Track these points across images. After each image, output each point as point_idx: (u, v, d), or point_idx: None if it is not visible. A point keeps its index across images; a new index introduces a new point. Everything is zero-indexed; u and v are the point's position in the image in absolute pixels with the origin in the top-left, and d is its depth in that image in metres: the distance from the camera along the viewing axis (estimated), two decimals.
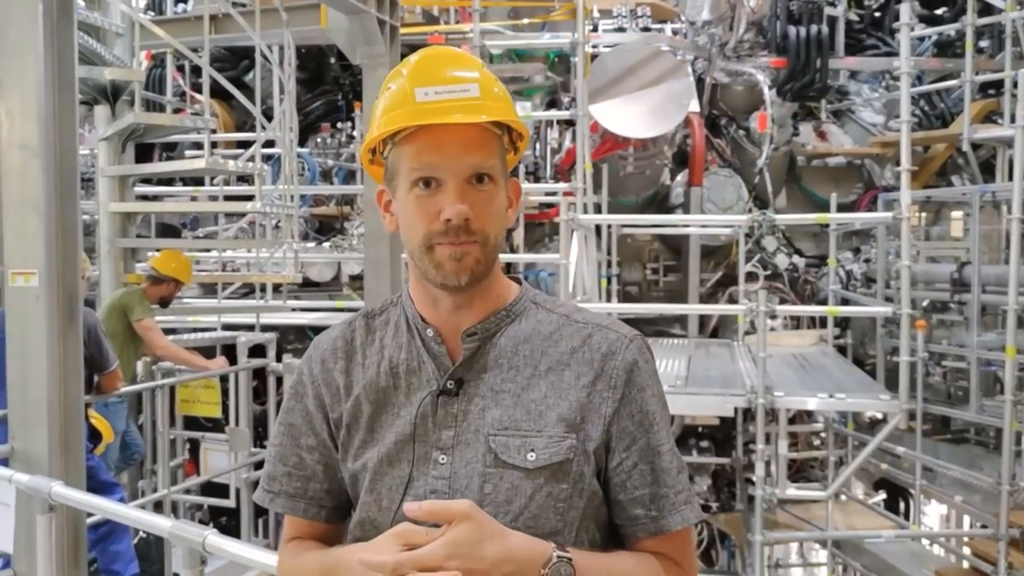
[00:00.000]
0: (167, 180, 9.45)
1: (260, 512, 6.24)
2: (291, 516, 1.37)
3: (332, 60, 9.93)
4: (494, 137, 1.25)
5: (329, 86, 10.13)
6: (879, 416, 7.68)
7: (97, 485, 4.32)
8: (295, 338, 8.87)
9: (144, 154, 8.88)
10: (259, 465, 6.03)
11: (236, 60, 9.38)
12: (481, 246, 1.22)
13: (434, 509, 1.09)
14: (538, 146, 8.69)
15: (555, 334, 1.28)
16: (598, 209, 7.87)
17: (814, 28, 8.61)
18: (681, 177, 9.04)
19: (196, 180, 9.40)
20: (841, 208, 8.11)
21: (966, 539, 6.87)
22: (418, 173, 1.21)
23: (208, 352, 6.48)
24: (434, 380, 1.26)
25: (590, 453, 1.23)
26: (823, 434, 8.26)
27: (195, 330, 7.73)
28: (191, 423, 6.18)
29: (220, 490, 6.01)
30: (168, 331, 6.58)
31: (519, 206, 1.38)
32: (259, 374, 6.30)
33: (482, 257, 1.23)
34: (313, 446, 1.34)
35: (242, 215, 8.88)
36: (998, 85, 8.01)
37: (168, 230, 9.53)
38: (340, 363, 1.34)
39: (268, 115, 7.33)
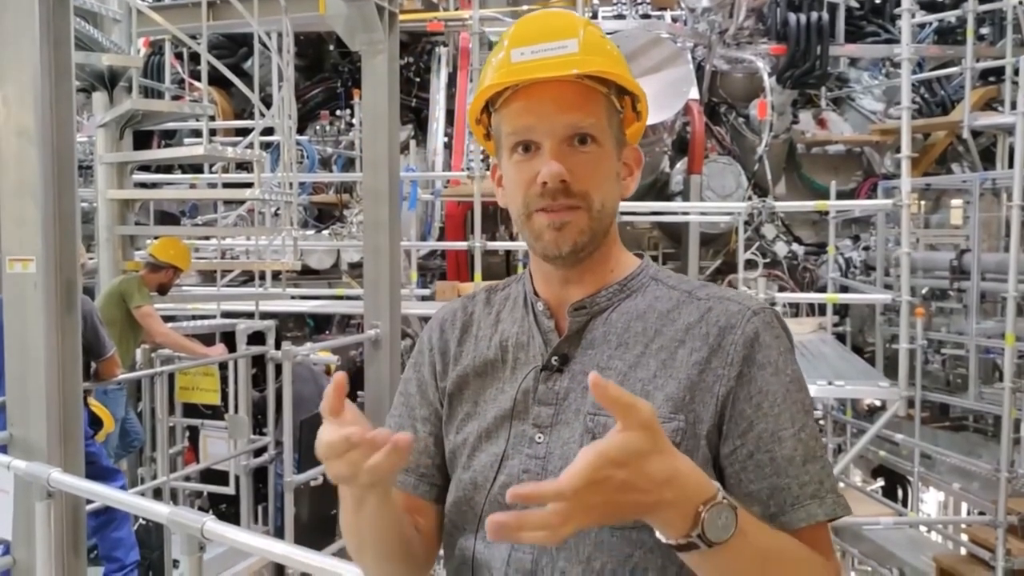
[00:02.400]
0: (166, 167, 9.44)
1: (259, 499, 6.25)
2: (400, 491, 1.28)
3: (331, 47, 9.92)
4: (598, 96, 1.15)
5: (328, 73, 10.12)
6: (878, 403, 7.69)
7: (98, 472, 4.33)
8: (294, 326, 8.88)
9: (143, 142, 8.86)
10: (259, 452, 6.05)
11: (235, 47, 9.35)
12: (585, 212, 1.13)
13: (622, 402, 0.88)
14: None
15: (673, 311, 1.17)
16: None
17: (814, 15, 8.58)
18: (680, 165, 9.02)
19: (195, 167, 9.39)
20: (840, 196, 8.11)
21: (964, 526, 6.89)
22: (515, 138, 1.16)
23: (207, 339, 6.48)
24: (540, 355, 1.19)
25: (700, 437, 1.10)
26: (822, 421, 8.27)
27: (194, 317, 7.73)
28: (190, 410, 6.18)
29: (220, 477, 6.01)
30: (167, 319, 6.58)
31: (639, 175, 1.25)
32: (258, 361, 6.29)
33: (587, 226, 1.14)
34: (426, 416, 1.29)
35: (241, 202, 8.87)
36: (999, 72, 7.99)
37: (167, 217, 9.52)
38: (456, 333, 1.30)
39: (267, 102, 7.31)
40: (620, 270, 1.22)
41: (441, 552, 1.31)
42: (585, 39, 1.14)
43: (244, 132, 8.58)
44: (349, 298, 8.33)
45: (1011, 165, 6.31)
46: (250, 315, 7.42)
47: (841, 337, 8.35)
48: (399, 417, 1.32)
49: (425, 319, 6.29)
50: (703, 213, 8.42)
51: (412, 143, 8.97)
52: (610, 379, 1.06)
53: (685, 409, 1.10)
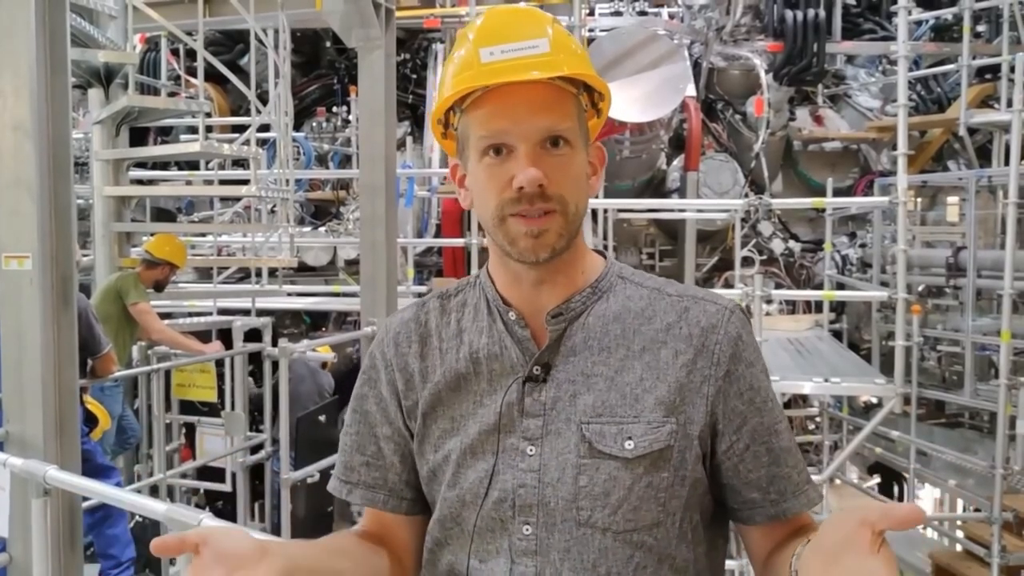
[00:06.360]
0: (162, 164, 9.42)
1: (256, 496, 6.25)
2: (370, 508, 1.29)
3: (327, 43, 9.88)
4: (570, 97, 1.15)
5: (324, 70, 10.08)
6: (874, 400, 7.71)
7: (94, 469, 4.32)
8: (291, 322, 8.87)
9: (139, 138, 8.85)
10: (255, 450, 6.04)
11: (231, 44, 9.32)
12: (561, 215, 1.12)
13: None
14: None
15: (647, 310, 1.18)
16: None
17: (811, 12, 8.57)
18: (677, 162, 9.01)
19: (191, 164, 9.37)
20: (837, 193, 8.10)
21: (960, 522, 6.90)
22: (487, 140, 1.12)
23: (204, 336, 6.47)
24: (519, 366, 1.17)
25: (693, 437, 1.13)
26: (818, 418, 8.29)
27: (191, 314, 7.72)
28: (187, 407, 6.16)
29: (216, 474, 6.00)
30: (164, 315, 6.57)
31: (603, 174, 1.25)
32: (255, 358, 6.29)
33: (564, 230, 1.13)
34: (389, 435, 1.26)
35: (237, 199, 8.86)
36: (995, 69, 7.98)
37: (163, 214, 9.50)
38: (414, 347, 1.25)
39: (263, 99, 7.29)
40: (589, 272, 1.22)
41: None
42: (554, 38, 1.12)
43: (240, 129, 8.56)
44: (346, 295, 8.33)
45: (1007, 162, 6.31)
46: (246, 312, 7.41)
47: (837, 334, 8.36)
48: (358, 435, 1.28)
49: None
50: (700, 210, 8.43)
51: (409, 140, 8.95)
52: (597, 385, 1.14)
53: (676, 412, 1.13)
